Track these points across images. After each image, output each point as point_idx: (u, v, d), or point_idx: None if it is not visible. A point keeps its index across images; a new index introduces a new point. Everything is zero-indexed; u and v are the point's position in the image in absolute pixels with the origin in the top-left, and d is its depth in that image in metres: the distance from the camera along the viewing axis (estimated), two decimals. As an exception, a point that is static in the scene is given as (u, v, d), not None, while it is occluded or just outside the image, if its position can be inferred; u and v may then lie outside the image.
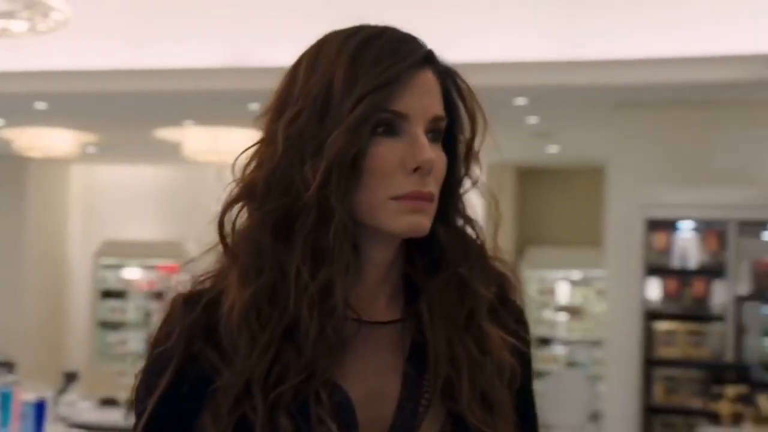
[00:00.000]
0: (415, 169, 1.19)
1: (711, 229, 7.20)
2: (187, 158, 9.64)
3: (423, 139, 1.20)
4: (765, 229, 7.23)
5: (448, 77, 1.27)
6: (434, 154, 1.20)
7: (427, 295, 1.25)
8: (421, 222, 1.20)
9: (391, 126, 1.20)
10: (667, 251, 7.31)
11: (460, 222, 1.27)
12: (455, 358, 1.23)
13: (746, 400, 6.48)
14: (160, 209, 11.73)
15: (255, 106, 8.13)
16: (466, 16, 6.50)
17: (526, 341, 1.31)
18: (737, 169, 7.30)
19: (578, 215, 10.78)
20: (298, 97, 1.22)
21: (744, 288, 7.08)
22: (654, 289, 7.33)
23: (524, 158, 10.66)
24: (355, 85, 1.19)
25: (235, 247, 1.24)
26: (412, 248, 1.27)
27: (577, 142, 9.56)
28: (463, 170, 1.27)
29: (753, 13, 6.22)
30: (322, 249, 1.18)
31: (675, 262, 7.28)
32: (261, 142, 1.25)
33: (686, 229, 7.30)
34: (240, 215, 1.25)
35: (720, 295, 7.14)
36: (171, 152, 10.00)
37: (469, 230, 1.28)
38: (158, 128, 9.48)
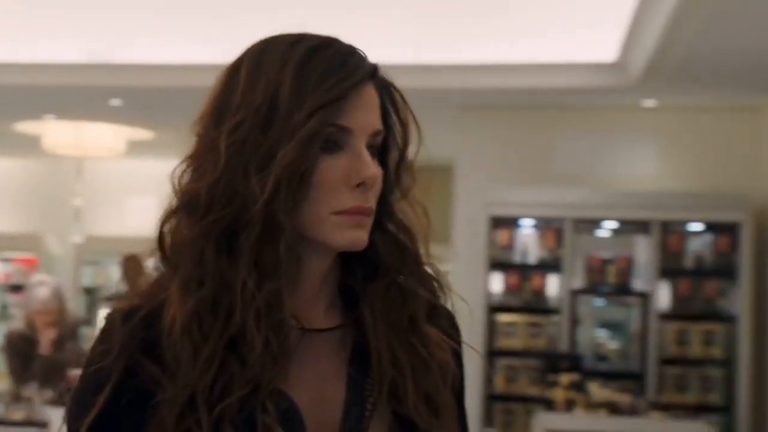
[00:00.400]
0: (359, 185, 1.20)
1: (549, 227, 7.62)
2: (47, 151, 9.65)
3: (366, 155, 1.20)
4: (598, 227, 7.68)
5: (386, 90, 1.26)
6: (376, 170, 1.21)
7: (368, 300, 1.26)
8: (362, 237, 1.21)
9: (336, 141, 1.20)
10: (509, 247, 7.70)
11: (393, 229, 1.27)
12: (399, 361, 1.24)
13: (578, 387, 6.81)
14: (19, 202, 11.65)
15: (116, 102, 8.27)
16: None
17: (459, 344, 1.33)
18: (575, 171, 7.75)
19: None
20: (239, 105, 1.20)
21: (578, 282, 7.52)
22: (497, 283, 7.70)
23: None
24: (304, 98, 1.18)
25: (175, 258, 1.21)
26: (348, 255, 1.27)
27: (425, 143, 9.90)
28: (395, 180, 1.27)
29: (592, 22, 6.63)
30: (268, 262, 1.17)
31: (516, 258, 7.67)
32: (198, 150, 1.23)
33: (527, 227, 7.71)
34: (177, 225, 1.23)
35: (556, 288, 7.57)
36: (30, 145, 9.98)
37: (402, 237, 1.28)
38: (18, 122, 9.46)
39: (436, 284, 1.31)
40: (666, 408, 6.59)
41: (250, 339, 1.16)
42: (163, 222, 1.23)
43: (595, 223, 7.61)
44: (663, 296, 7.21)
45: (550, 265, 7.61)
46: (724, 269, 6.99)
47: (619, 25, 6.41)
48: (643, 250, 7.27)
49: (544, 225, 7.66)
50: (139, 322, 1.20)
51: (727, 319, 6.99)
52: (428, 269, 1.30)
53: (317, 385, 1.23)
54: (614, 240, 7.57)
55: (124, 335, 1.19)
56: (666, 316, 7.16)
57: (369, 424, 1.23)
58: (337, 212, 1.19)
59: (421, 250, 1.29)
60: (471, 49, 7.11)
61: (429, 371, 1.25)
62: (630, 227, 7.38)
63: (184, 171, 1.23)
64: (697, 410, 6.77)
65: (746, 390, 6.79)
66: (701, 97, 7.21)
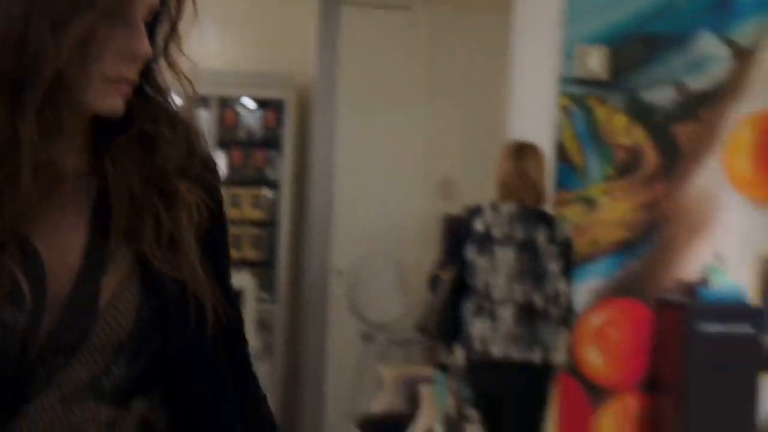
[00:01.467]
0: (131, 58, 1.24)
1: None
2: None
3: (142, 31, 1.24)
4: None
5: None
6: (149, 48, 1.25)
7: (115, 149, 1.29)
8: (120, 105, 1.25)
9: (118, 11, 1.22)
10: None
11: (151, 92, 1.33)
12: (138, 200, 1.28)
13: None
14: None
15: None
16: None
17: (214, 186, 1.37)
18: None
19: None
20: None
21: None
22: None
23: None
24: None
25: None
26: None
27: None
28: (161, 51, 1.32)
29: None
30: (52, 121, 1.20)
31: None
32: None
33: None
34: None
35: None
36: None
37: (159, 98, 1.34)
38: None
39: (190, 131, 1.36)
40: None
41: (24, 189, 1.19)
42: None
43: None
44: (221, 164, 7.76)
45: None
46: (271, 141, 7.71)
47: None
48: (205, 124, 7.79)
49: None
50: None
51: (272, 185, 7.75)
52: (183, 118, 1.35)
53: (59, 231, 1.26)
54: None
55: None
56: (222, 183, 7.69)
57: (108, 266, 1.26)
58: (107, 79, 1.23)
59: (181, 111, 1.36)
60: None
61: (171, 210, 1.30)
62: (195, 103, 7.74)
63: None
64: (247, 264, 7.51)
65: (286, 247, 7.63)
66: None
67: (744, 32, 5.63)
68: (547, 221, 4.94)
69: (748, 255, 5.64)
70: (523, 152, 5.07)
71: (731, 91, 5.61)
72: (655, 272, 5.61)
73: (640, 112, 5.56)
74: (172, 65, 1.33)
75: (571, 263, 4.97)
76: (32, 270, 1.22)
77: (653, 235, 5.60)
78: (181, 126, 1.35)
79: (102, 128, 1.30)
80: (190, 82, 1.35)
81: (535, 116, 5.64)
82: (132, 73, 1.25)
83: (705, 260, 5.60)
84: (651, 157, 5.61)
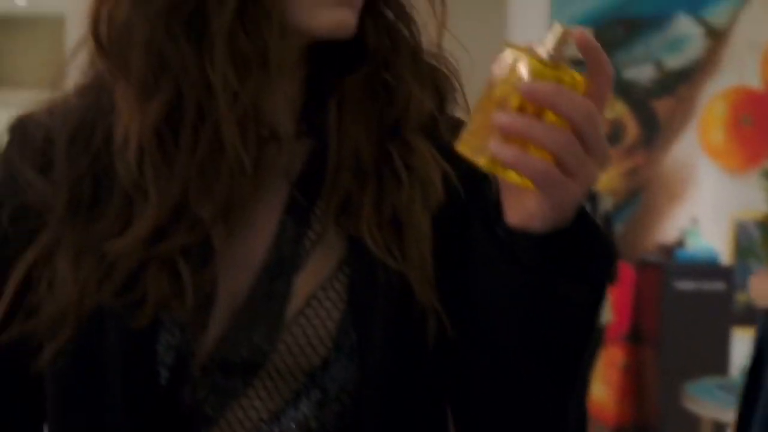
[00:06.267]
0: None
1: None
2: None
3: None
4: None
5: None
6: None
7: (340, 95, 0.91)
8: (349, 18, 0.87)
9: None
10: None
11: (390, 15, 0.93)
12: (362, 168, 0.89)
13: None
14: None
15: None
16: None
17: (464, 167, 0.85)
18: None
19: (42, 60, 11.35)
20: None
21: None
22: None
23: (-6, 8, 11.10)
24: None
25: (118, 52, 0.87)
26: (324, 43, 0.90)
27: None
28: None
29: None
30: (249, 50, 0.83)
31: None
32: None
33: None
34: (114, 8, 0.87)
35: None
36: None
37: (400, 25, 0.93)
38: None
39: (443, 83, 0.94)
40: None
41: (233, 154, 0.84)
42: (102, 6, 0.87)
43: None
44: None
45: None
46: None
47: None
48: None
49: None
50: (39, 131, 0.91)
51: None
52: (435, 65, 0.94)
53: (245, 213, 0.88)
54: None
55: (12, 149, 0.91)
56: None
57: (309, 255, 0.89)
58: None
59: (428, 46, 0.94)
60: None
61: (400, 185, 0.89)
62: None
63: None
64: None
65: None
66: None
67: (717, 14, 5.77)
68: (590, 196, 5.11)
69: (722, 219, 5.83)
70: None
71: (706, 68, 5.77)
72: (636, 235, 5.82)
73: (622, 89, 5.73)
74: None
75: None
76: (198, 261, 0.86)
77: (635, 202, 5.81)
78: (428, 68, 0.93)
79: (319, 68, 0.90)
80: (443, 3, 0.92)
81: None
82: None
83: (682, 224, 5.80)
84: (632, 129, 5.80)
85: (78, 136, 0.90)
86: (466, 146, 0.77)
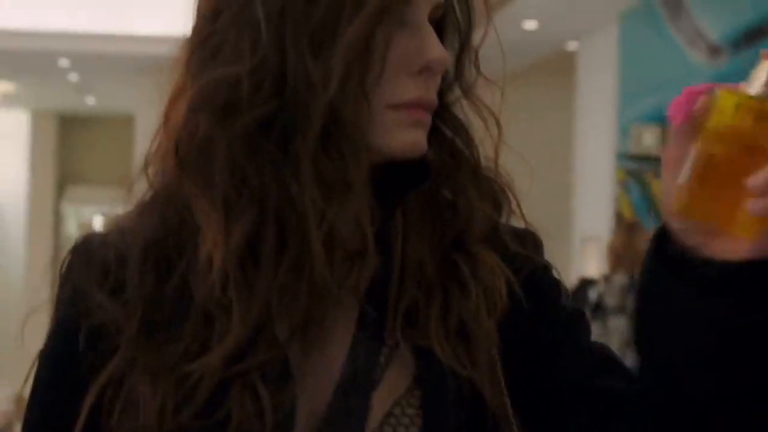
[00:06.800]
0: (421, 70, 0.87)
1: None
2: None
3: (432, 32, 0.88)
4: None
5: None
6: (444, 51, 0.88)
7: (405, 209, 0.92)
8: (421, 139, 0.88)
9: (395, 6, 0.86)
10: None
11: (450, 134, 0.93)
12: (427, 279, 0.90)
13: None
14: None
15: None
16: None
17: (528, 261, 0.93)
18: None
19: (112, 158, 11.59)
20: None
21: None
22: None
23: (66, 107, 11.36)
24: None
25: (199, 170, 0.85)
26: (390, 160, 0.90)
27: (111, 96, 10.40)
28: (454, 72, 0.93)
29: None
30: (333, 173, 0.84)
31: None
32: (216, 24, 0.86)
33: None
34: (194, 128, 0.86)
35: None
36: None
37: (460, 143, 0.94)
38: None
39: (499, 197, 0.94)
40: None
41: (319, 274, 0.83)
42: (188, 121, 0.86)
43: None
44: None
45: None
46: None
47: None
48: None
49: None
50: (100, 249, 0.90)
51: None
52: (492, 182, 0.95)
53: (320, 329, 0.87)
54: None
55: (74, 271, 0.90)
56: None
57: (383, 371, 0.87)
58: (394, 106, 0.86)
59: (485, 161, 0.94)
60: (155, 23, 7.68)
61: (467, 295, 0.89)
62: None
63: (195, 54, 0.87)
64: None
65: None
66: None
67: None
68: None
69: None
70: (634, 228, 5.25)
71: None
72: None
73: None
74: (468, 93, 0.93)
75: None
76: (276, 380, 0.84)
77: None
78: (486, 181, 0.94)
79: (385, 183, 0.90)
80: (497, 120, 0.93)
81: (595, 189, 5.79)
82: (427, 90, 0.88)
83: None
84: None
85: (151, 256, 0.88)
86: (687, 210, 0.79)
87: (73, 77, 9.20)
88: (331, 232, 0.83)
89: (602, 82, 6.00)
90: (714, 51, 5.67)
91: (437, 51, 0.87)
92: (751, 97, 0.76)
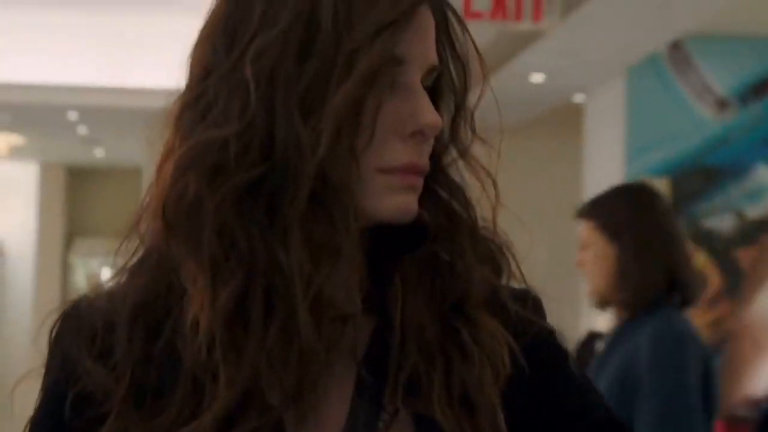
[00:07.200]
0: (413, 134, 0.85)
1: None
2: None
3: (425, 96, 0.86)
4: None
5: (441, 14, 0.90)
6: (437, 116, 0.86)
7: (402, 273, 0.88)
8: (412, 204, 0.86)
9: (387, 70, 0.84)
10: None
11: (446, 196, 0.91)
12: (428, 346, 0.87)
13: None
14: None
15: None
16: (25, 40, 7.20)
17: (528, 324, 0.91)
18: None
19: (120, 210, 11.62)
20: (261, 22, 0.83)
21: None
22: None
23: (75, 160, 11.42)
24: (352, 17, 0.82)
25: (187, 233, 0.83)
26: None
27: (119, 149, 10.46)
28: (450, 134, 0.91)
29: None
30: (323, 237, 0.82)
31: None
32: (207, 83, 0.84)
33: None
34: (184, 189, 0.83)
35: None
36: None
37: (456, 206, 0.91)
38: None
39: (498, 259, 0.92)
40: None
41: (306, 340, 0.81)
42: (175, 182, 0.83)
43: None
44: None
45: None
46: None
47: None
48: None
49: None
50: (88, 314, 0.88)
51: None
52: (490, 243, 0.92)
53: (316, 393, 0.84)
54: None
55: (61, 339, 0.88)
56: None
57: None
58: (384, 170, 0.84)
59: (482, 221, 0.92)
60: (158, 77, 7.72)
61: (470, 362, 0.86)
62: None
63: (186, 113, 0.85)
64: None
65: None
66: None
67: (798, 162, 5.69)
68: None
69: (813, 371, 5.60)
70: None
71: (788, 217, 5.66)
72: (723, 389, 5.61)
73: (702, 238, 5.62)
74: (464, 154, 0.91)
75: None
76: None
77: (720, 354, 5.61)
78: (485, 244, 0.92)
79: (380, 247, 0.89)
80: (494, 182, 0.90)
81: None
82: (419, 155, 0.85)
83: (771, 376, 5.58)
84: (715, 279, 5.66)
85: (139, 318, 0.86)
86: None
87: (82, 130, 9.24)
88: (318, 297, 0.81)
89: (609, 135, 5.99)
90: (721, 104, 5.66)
91: (429, 115, 0.85)
92: None
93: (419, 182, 0.87)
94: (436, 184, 0.91)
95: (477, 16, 4.54)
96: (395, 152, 0.85)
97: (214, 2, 0.87)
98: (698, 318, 5.56)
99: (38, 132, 9.56)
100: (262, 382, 0.81)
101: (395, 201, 0.85)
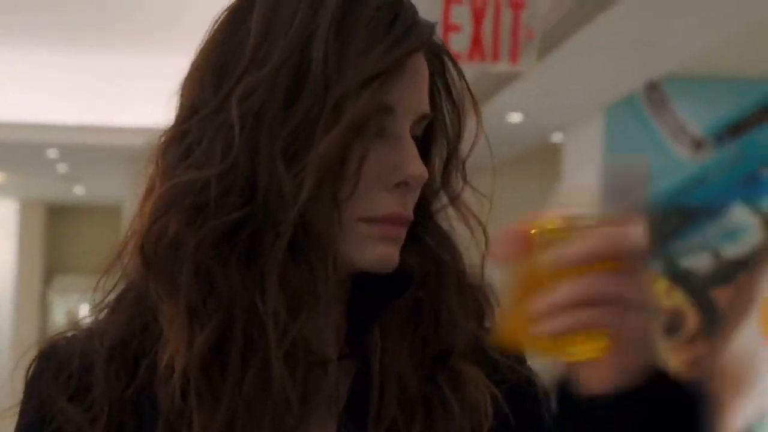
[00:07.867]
0: (398, 184, 0.83)
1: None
2: None
3: (412, 146, 0.84)
4: None
5: (437, 59, 0.88)
6: (423, 167, 0.84)
7: (383, 320, 0.87)
8: (393, 255, 0.84)
9: (375, 119, 0.82)
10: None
11: (433, 244, 0.89)
12: (409, 398, 0.85)
13: None
14: None
15: None
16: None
17: (513, 376, 0.90)
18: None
19: (100, 247, 11.58)
20: (250, 62, 0.81)
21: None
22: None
23: (55, 197, 11.38)
24: (344, 63, 0.80)
25: (166, 273, 0.81)
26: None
27: (99, 186, 10.44)
28: (441, 181, 0.90)
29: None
30: (301, 284, 0.80)
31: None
32: (193, 121, 0.82)
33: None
34: (164, 228, 0.82)
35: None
36: None
37: (443, 254, 0.89)
38: None
39: (483, 305, 0.91)
40: None
41: (278, 390, 0.79)
42: (153, 224, 0.81)
43: None
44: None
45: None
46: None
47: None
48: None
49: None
50: (75, 358, 0.85)
51: None
52: (477, 292, 0.91)
53: None
54: None
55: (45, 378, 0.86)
56: None
57: None
58: (367, 219, 0.83)
59: (470, 269, 0.91)
60: (140, 115, 7.73)
61: (451, 415, 0.85)
62: None
63: (170, 149, 0.84)
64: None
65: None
66: None
67: (773, 203, 5.73)
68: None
69: (790, 410, 5.61)
70: None
71: (764, 257, 5.68)
72: (701, 427, 5.61)
73: (680, 278, 5.64)
74: (455, 201, 0.90)
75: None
76: None
77: (698, 392, 5.62)
78: (471, 292, 0.90)
79: (363, 292, 0.87)
80: (484, 229, 0.89)
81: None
82: (403, 206, 0.84)
83: (749, 416, 5.58)
84: (692, 318, 5.67)
85: (116, 358, 0.85)
86: (513, 339, 0.74)
87: (62, 168, 9.24)
88: (294, 345, 0.80)
89: (587, 174, 6.01)
90: (698, 144, 5.70)
91: (416, 167, 0.83)
92: (550, 226, 0.73)
93: (402, 233, 0.85)
94: (424, 232, 0.89)
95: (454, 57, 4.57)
96: (379, 202, 0.83)
97: (207, 34, 0.86)
98: (676, 357, 5.58)
99: (18, 169, 9.55)
100: (238, 429, 0.80)
101: (376, 251, 0.84)
